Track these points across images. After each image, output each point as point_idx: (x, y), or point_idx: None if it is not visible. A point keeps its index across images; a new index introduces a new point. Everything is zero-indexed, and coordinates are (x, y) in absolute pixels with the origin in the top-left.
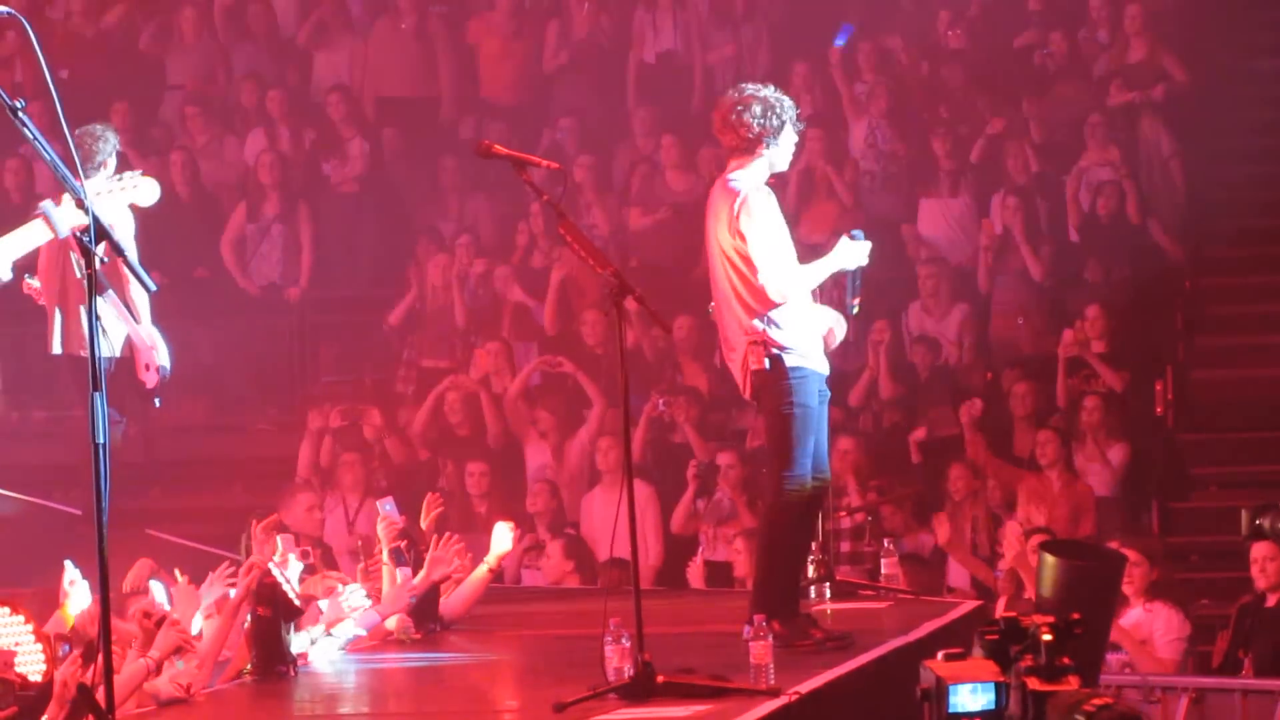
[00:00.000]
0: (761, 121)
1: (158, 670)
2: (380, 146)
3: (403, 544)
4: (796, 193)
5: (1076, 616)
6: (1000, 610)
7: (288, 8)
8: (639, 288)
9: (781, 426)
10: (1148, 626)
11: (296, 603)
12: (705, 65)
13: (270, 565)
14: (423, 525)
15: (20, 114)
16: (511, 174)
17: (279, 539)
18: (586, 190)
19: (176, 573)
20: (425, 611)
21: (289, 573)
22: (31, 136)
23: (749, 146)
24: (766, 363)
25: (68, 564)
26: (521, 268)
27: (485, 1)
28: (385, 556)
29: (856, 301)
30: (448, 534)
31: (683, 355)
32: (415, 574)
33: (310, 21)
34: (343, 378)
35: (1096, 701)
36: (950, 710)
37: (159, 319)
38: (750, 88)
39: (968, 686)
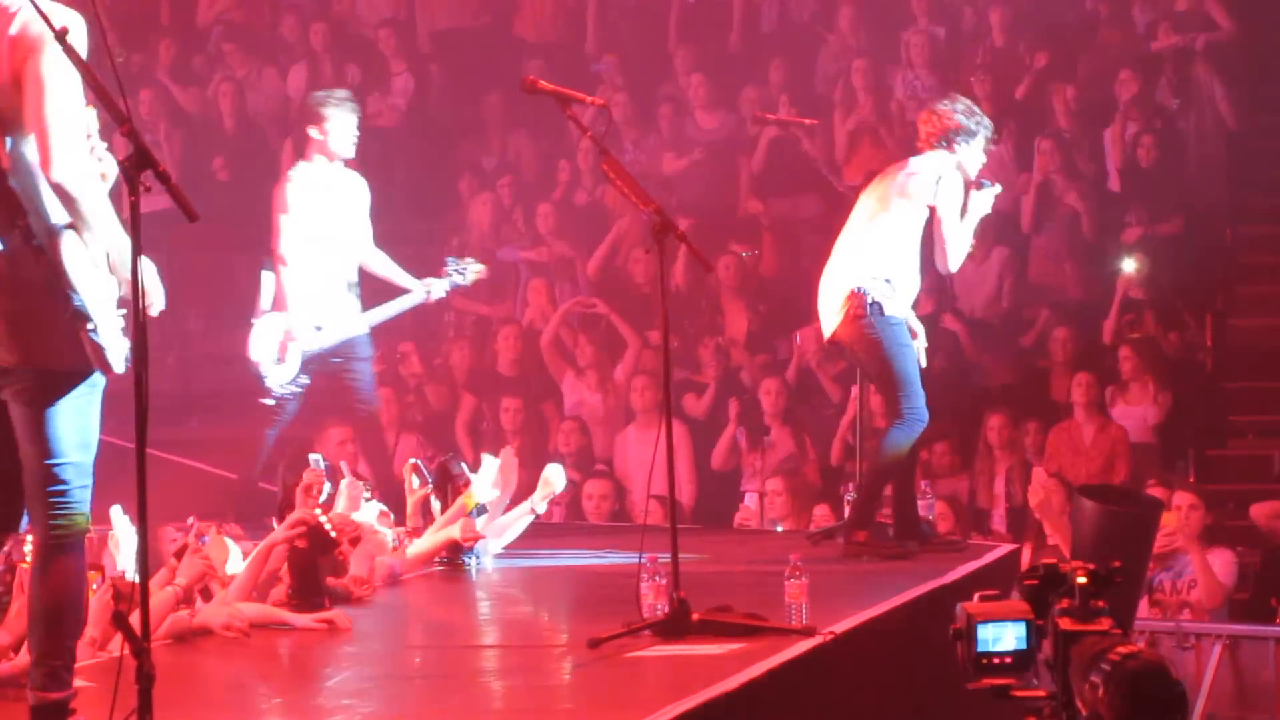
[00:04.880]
0: (961, 119)
1: (187, 598)
2: (425, 81)
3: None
4: (846, 136)
5: (1118, 564)
6: (1026, 558)
7: None
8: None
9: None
10: (1209, 569)
11: (332, 535)
12: (748, 3)
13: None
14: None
15: (67, 40)
16: (555, 110)
17: (345, 481)
18: (627, 128)
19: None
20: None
21: (363, 514)
22: (75, 61)
23: (943, 139)
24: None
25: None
26: (563, 204)
27: None
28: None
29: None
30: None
31: (724, 295)
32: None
33: None
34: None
35: (1122, 650)
36: (979, 649)
37: (203, 249)
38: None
39: (997, 625)
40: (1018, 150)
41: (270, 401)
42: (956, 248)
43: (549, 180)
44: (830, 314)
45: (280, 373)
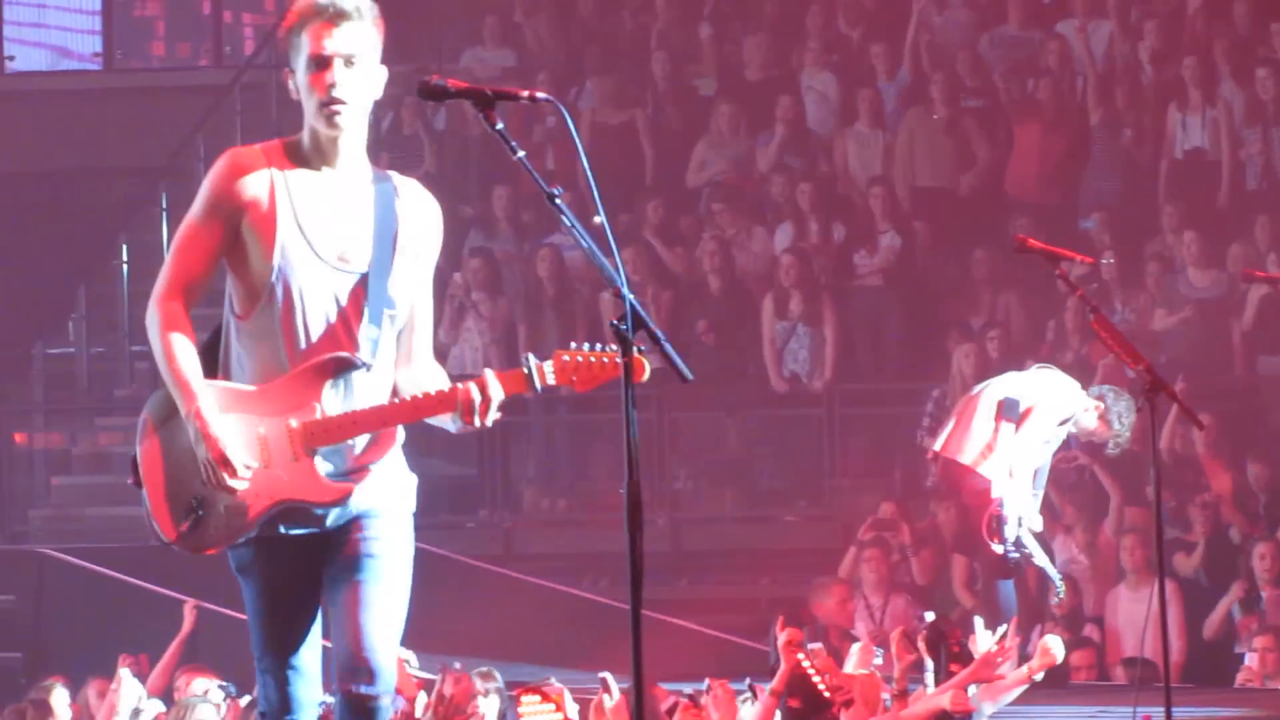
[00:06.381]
0: None
1: None
2: (910, 238)
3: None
4: None
5: None
6: None
7: (817, 99)
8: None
9: None
10: None
11: (826, 694)
12: (1234, 162)
13: (801, 656)
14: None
15: (557, 200)
16: (1043, 268)
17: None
18: (1115, 286)
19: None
20: None
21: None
22: (569, 223)
23: None
24: None
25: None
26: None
27: (1025, 100)
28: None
29: None
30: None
31: (1205, 455)
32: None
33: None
34: (871, 471)
35: None
36: None
37: (690, 410)
38: None
39: None
40: None
41: (999, 548)
42: None
43: (1036, 339)
44: None
45: (1009, 531)
